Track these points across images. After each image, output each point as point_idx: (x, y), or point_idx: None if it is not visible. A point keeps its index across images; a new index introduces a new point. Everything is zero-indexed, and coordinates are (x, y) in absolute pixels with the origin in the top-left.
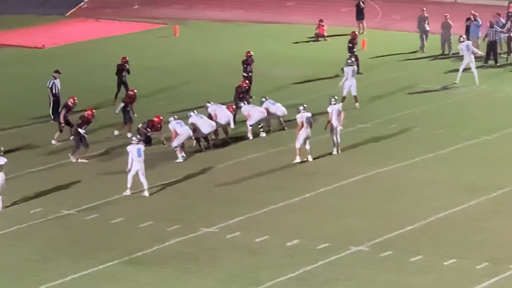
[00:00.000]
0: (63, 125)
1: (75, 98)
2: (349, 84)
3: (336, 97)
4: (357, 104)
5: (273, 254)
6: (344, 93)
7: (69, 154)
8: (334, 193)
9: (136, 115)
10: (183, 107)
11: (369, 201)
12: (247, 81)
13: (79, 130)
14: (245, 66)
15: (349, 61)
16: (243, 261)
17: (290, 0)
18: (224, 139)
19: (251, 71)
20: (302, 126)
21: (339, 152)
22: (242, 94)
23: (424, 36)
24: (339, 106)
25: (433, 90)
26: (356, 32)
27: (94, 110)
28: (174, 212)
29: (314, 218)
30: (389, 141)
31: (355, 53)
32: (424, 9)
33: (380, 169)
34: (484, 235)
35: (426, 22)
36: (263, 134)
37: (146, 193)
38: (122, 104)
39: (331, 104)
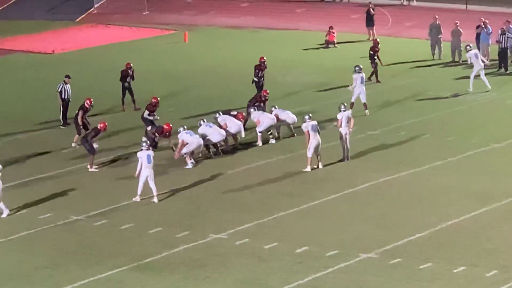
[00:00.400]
0: (81, 126)
1: (92, 100)
2: (358, 91)
3: (345, 104)
4: (366, 111)
5: (282, 260)
6: (353, 99)
7: (88, 167)
8: (344, 200)
9: (157, 118)
10: (192, 113)
11: (378, 208)
12: (267, 91)
13: (89, 141)
14: (257, 71)
15: (357, 68)
16: (252, 267)
17: (300, 7)
18: (234, 145)
19: (262, 77)
20: (308, 135)
21: (349, 159)
22: (258, 103)
23: (436, 43)
24: (348, 113)
25: (443, 97)
26: (378, 40)
27: (107, 124)
28: (183, 218)
29: (324, 225)
30: (399, 148)
31: (376, 61)
32: (437, 16)
33: (390, 176)
34: (494, 243)
35: (439, 29)
36: (272, 141)
37: (155, 199)
38: (147, 112)
39: (340, 111)
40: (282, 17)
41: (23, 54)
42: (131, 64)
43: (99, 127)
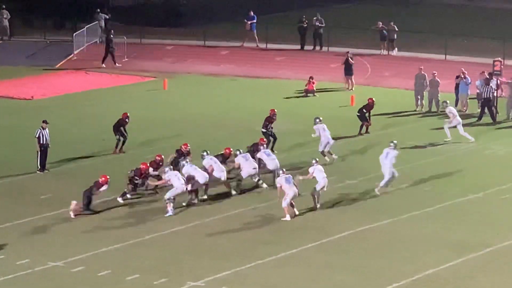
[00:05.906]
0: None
1: (188, 145)
2: (326, 141)
3: (317, 159)
4: (334, 156)
5: None
6: (320, 149)
7: (81, 210)
8: (322, 248)
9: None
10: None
11: (356, 257)
12: (265, 139)
13: (92, 193)
14: (267, 123)
15: (317, 119)
16: None
17: (280, 55)
18: (228, 192)
19: (271, 128)
20: (281, 189)
21: (318, 206)
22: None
23: (419, 95)
24: (320, 166)
25: (421, 147)
26: (374, 99)
27: (108, 177)
28: (161, 265)
29: (301, 274)
30: (377, 197)
31: (366, 117)
32: (422, 67)
33: (368, 225)
34: None
35: (423, 80)
36: (264, 185)
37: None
38: (151, 169)
39: (313, 164)
40: (262, 65)
41: (2, 100)
42: (128, 114)
43: (100, 181)
